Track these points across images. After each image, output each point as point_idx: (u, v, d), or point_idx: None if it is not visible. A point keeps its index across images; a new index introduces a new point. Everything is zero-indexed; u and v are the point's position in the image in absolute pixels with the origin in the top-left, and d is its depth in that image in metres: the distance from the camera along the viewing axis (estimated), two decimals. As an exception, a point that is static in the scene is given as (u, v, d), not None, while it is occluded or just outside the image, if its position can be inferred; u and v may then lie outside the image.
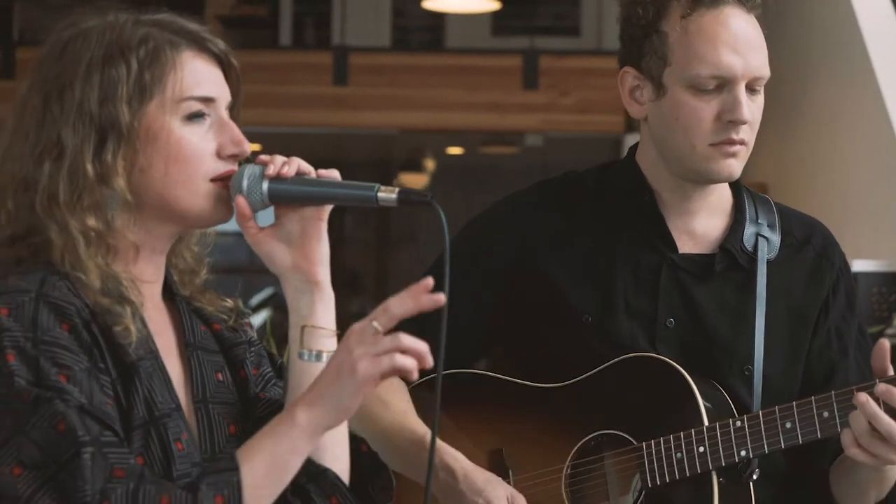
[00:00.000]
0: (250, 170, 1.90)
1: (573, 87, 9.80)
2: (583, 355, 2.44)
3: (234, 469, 1.77)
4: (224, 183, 1.92)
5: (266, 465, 1.78)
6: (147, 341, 1.89)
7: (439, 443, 2.40)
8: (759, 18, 2.43)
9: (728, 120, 2.36)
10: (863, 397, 2.23)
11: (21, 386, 1.74)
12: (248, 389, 2.01)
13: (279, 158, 1.92)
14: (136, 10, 1.96)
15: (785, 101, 7.32)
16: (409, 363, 1.77)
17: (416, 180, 12.63)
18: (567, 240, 2.51)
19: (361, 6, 11.57)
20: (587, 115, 9.76)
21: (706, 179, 2.43)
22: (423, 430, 2.43)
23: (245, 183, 1.90)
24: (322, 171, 1.93)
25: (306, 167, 1.93)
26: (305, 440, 1.79)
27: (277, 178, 1.91)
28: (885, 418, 2.22)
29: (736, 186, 2.53)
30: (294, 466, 1.80)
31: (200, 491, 1.74)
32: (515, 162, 12.14)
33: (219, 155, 1.92)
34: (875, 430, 2.22)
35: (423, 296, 1.77)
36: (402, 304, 1.78)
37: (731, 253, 2.47)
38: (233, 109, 1.98)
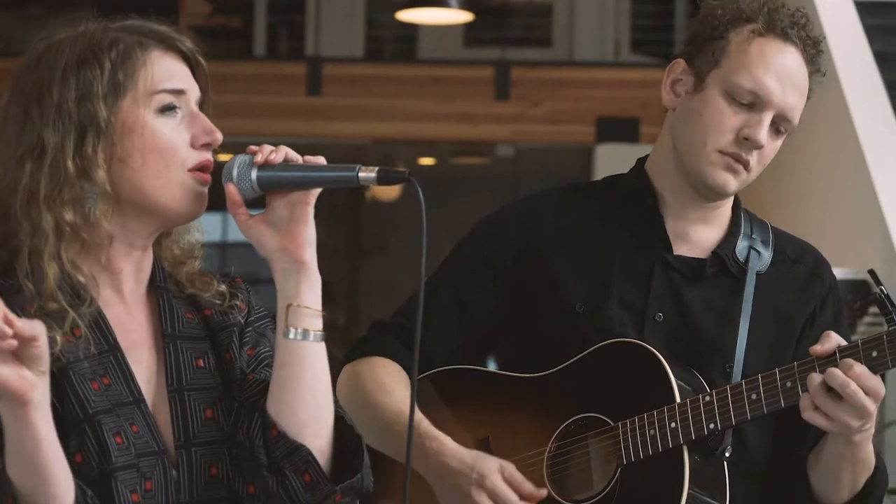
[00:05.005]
0: (240, 159, 1.99)
1: (544, 98, 9.84)
2: (575, 343, 2.54)
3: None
4: (201, 174, 2.01)
5: (14, 459, 1.79)
6: (103, 343, 1.98)
7: (430, 430, 2.50)
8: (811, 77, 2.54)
9: (745, 136, 2.47)
10: (818, 348, 2.36)
11: None
12: (233, 371, 2.09)
13: (267, 147, 2.00)
14: (106, 19, 2.06)
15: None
16: None
17: (387, 190, 12.64)
18: (570, 236, 2.62)
19: (335, 17, 11.60)
20: (558, 126, 9.80)
21: (702, 184, 2.52)
22: (418, 416, 2.51)
23: (235, 171, 1.98)
24: (308, 157, 2.01)
25: (293, 155, 2.01)
26: (12, 423, 1.76)
27: (266, 166, 1.98)
28: (836, 371, 2.32)
29: (736, 204, 2.64)
30: (22, 446, 1.78)
31: None
32: (487, 172, 12.17)
33: (192, 145, 2.01)
34: (830, 390, 2.31)
35: None
36: None
37: (722, 259, 2.56)
38: (202, 106, 2.06)
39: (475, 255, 2.66)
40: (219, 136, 2.03)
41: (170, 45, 2.05)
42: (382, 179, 1.94)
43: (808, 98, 2.53)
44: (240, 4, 11.92)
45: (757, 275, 2.58)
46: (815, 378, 2.33)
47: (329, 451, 2.02)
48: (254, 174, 1.99)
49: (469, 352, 2.66)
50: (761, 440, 2.56)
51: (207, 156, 2.03)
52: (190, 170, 2.01)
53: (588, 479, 2.49)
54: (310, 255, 2.01)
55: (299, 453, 1.98)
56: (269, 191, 2.00)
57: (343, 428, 2.05)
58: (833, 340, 2.37)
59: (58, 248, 1.96)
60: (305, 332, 2.01)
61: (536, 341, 2.61)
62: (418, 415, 2.51)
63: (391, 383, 2.58)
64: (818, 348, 2.37)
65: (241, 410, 2.05)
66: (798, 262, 2.63)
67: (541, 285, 2.60)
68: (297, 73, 10.09)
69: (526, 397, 2.54)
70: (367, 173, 1.95)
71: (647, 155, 2.68)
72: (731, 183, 2.51)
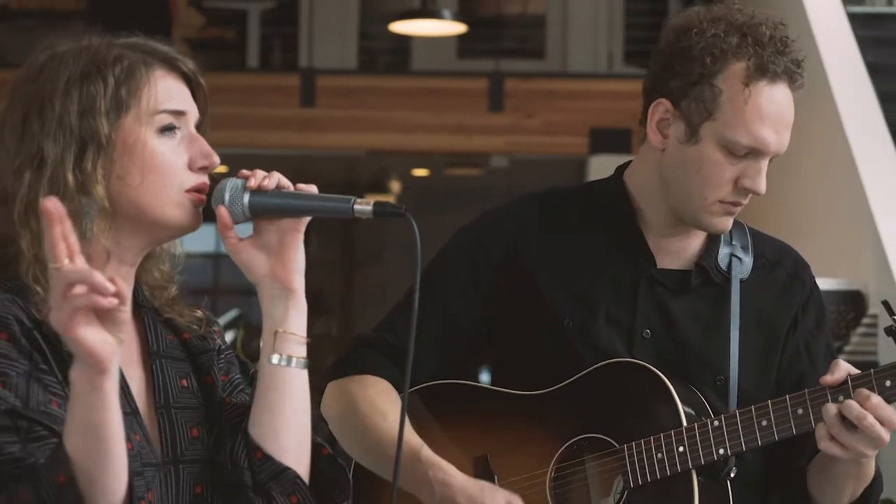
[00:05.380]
0: (232, 182, 1.99)
1: (538, 110, 9.85)
2: (565, 359, 2.53)
3: (58, 436, 1.81)
4: (197, 194, 2.01)
5: (74, 433, 1.77)
6: None
7: (432, 458, 2.48)
8: None
9: (744, 187, 2.47)
10: (829, 378, 2.38)
11: None
12: (215, 394, 2.10)
13: (260, 172, 2.00)
14: (109, 34, 2.06)
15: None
16: (88, 300, 1.68)
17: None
18: (553, 249, 2.60)
19: (328, 29, 11.61)
20: (552, 137, 9.81)
21: (698, 228, 2.53)
22: (418, 443, 2.50)
23: (227, 195, 1.98)
24: (301, 185, 2.01)
25: (285, 182, 2.01)
26: (88, 394, 1.74)
27: (258, 191, 1.99)
28: (853, 403, 2.33)
29: None
30: (96, 420, 1.76)
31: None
32: (481, 183, 12.18)
33: (190, 167, 2.01)
34: (845, 420, 2.32)
35: (50, 215, 1.70)
36: (49, 231, 1.71)
37: (706, 270, 2.57)
38: (200, 127, 2.06)
39: (460, 263, 2.63)
40: (216, 160, 2.03)
41: (172, 66, 2.05)
42: (378, 213, 1.94)
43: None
44: (233, 16, 11.92)
45: (740, 282, 2.58)
46: (831, 409, 2.34)
47: (307, 477, 2.03)
48: (246, 199, 1.99)
49: (455, 363, 2.64)
50: (756, 451, 2.56)
51: (204, 178, 2.03)
52: (188, 191, 2.01)
53: (593, 501, 2.48)
54: (299, 282, 2.02)
55: (286, 476, 2.00)
56: (259, 216, 2.01)
57: (324, 461, 2.06)
58: (842, 369, 2.38)
59: None
60: (290, 359, 2.02)
61: (526, 354, 2.60)
62: (418, 441, 2.50)
63: (385, 405, 2.54)
64: (829, 378, 2.38)
65: (224, 432, 2.06)
66: (778, 265, 2.63)
67: (527, 296, 2.59)
68: (290, 85, 10.10)
69: (525, 415, 2.53)
70: (362, 206, 1.95)
71: (628, 163, 2.66)
72: (729, 224, 2.54)
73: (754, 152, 2.46)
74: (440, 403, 2.56)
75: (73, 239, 1.70)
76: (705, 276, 2.57)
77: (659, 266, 2.57)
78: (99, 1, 9.97)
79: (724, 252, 2.59)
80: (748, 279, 2.59)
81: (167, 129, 2.00)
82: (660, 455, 2.43)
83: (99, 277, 1.67)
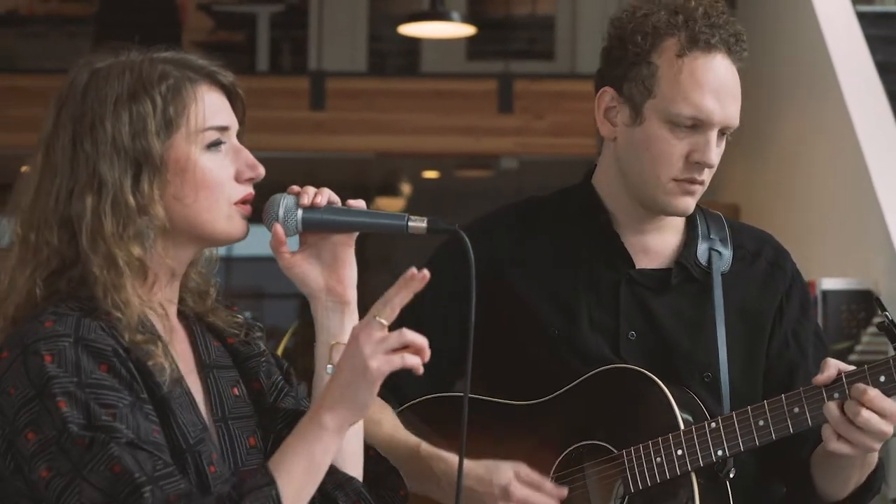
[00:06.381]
0: (285, 199, 2.03)
1: (547, 111, 9.86)
2: (555, 368, 2.53)
3: (271, 483, 1.87)
4: (245, 206, 2.03)
5: (303, 471, 1.89)
6: (176, 370, 1.99)
7: (433, 451, 2.48)
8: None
9: (695, 161, 2.46)
10: (821, 377, 2.37)
11: (75, 432, 1.84)
12: (264, 400, 2.12)
13: (311, 189, 2.04)
14: (146, 49, 2.07)
15: (757, 127, 7.39)
16: (416, 361, 1.89)
17: (392, 204, 12.66)
18: (532, 260, 2.60)
19: (338, 32, 11.63)
20: (561, 138, 9.82)
21: (660, 210, 2.52)
22: (416, 441, 2.51)
23: (281, 212, 2.02)
24: (351, 201, 2.05)
25: (335, 197, 2.05)
26: (335, 440, 1.90)
27: (311, 208, 2.02)
28: (861, 408, 2.33)
29: None
30: (327, 465, 1.91)
31: None
32: (491, 185, 12.18)
33: (237, 179, 2.03)
34: (848, 417, 2.33)
35: (413, 280, 1.91)
36: (398, 292, 1.91)
37: (685, 267, 2.56)
38: (238, 134, 2.09)
39: (436, 285, 2.61)
40: (261, 171, 2.06)
41: (214, 80, 2.06)
42: (432, 230, 2.01)
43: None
44: (242, 20, 11.94)
45: (721, 276, 2.57)
46: (833, 409, 2.34)
47: (361, 480, 2.07)
48: (299, 215, 2.03)
49: (444, 379, 2.62)
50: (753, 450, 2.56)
51: (250, 189, 2.05)
52: (235, 203, 2.03)
53: None
54: (353, 295, 2.08)
55: (352, 485, 2.03)
56: (310, 231, 2.04)
57: (371, 462, 2.10)
58: (833, 366, 2.38)
59: (132, 282, 1.96)
60: None
61: (516, 365, 2.59)
62: (415, 439, 2.51)
63: (377, 414, 2.54)
64: (821, 377, 2.37)
65: (281, 440, 2.04)
66: (758, 255, 2.62)
67: (510, 307, 2.58)
68: (300, 88, 10.12)
69: (522, 425, 2.52)
70: (416, 223, 2.01)
71: (594, 167, 2.65)
72: (691, 204, 2.51)
73: (699, 124, 2.45)
74: (436, 417, 2.56)
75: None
76: (686, 274, 2.56)
77: (638, 267, 2.56)
78: (108, 7, 10.01)
79: (702, 247, 2.58)
80: (729, 272, 2.58)
81: (214, 145, 2.02)
82: (659, 459, 2.43)
83: (424, 341, 1.89)
